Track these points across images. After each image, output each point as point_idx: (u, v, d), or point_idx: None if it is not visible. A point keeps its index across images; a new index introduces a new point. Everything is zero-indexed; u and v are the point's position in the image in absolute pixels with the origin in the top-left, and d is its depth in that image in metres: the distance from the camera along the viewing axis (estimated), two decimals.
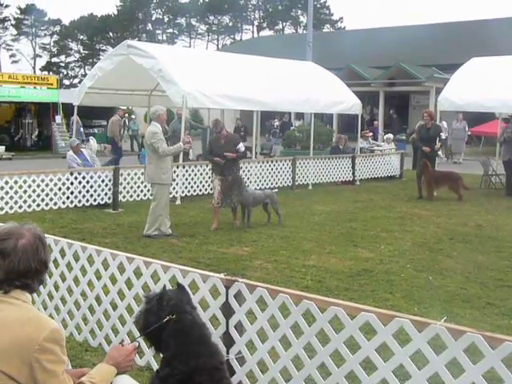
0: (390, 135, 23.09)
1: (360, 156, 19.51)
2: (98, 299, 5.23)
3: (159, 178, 10.51)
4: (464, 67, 18.56)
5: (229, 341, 4.16)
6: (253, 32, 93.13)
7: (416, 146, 16.78)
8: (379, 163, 19.76)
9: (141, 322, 3.45)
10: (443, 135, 16.13)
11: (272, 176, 16.77)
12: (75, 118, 18.03)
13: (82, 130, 26.83)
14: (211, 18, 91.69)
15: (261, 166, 16.62)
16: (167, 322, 3.30)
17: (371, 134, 23.62)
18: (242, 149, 11.73)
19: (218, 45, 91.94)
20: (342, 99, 19.13)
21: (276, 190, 13.03)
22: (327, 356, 3.76)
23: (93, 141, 26.20)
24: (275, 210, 11.86)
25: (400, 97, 38.25)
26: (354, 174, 18.83)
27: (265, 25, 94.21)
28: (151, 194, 11.14)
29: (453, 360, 3.33)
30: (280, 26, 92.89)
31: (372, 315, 3.50)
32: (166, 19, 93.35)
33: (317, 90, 18.43)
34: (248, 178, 16.13)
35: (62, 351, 2.76)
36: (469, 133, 27.38)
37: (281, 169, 17.07)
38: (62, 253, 5.26)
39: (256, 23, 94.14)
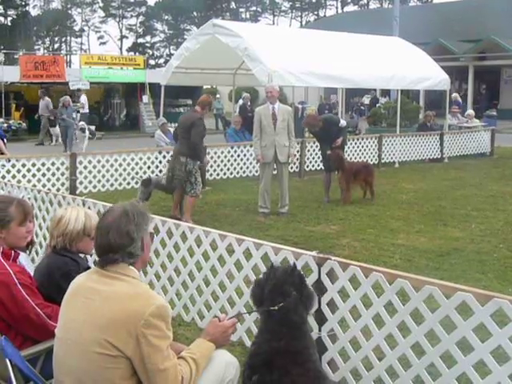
0: (471, 111, 22.27)
1: (448, 133, 19.01)
2: (191, 275, 5.35)
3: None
4: None
5: (321, 318, 4.17)
6: (337, 8, 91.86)
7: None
8: (468, 140, 19.21)
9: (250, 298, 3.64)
10: (342, 122, 11.97)
11: (358, 154, 16.59)
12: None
13: (74, 115, 22.45)
14: None
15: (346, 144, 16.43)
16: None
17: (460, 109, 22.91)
18: None
19: (301, 22, 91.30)
20: (429, 75, 18.70)
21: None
22: (422, 335, 3.72)
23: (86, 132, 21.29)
24: None
25: (490, 71, 36.95)
26: (442, 151, 18.39)
27: (349, 0, 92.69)
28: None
29: None
30: (365, 0, 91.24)
31: (469, 295, 3.42)
32: None
33: (403, 65, 18.08)
34: None
35: (167, 327, 2.85)
36: None
37: (367, 146, 16.85)
38: (156, 230, 5.39)
39: None
